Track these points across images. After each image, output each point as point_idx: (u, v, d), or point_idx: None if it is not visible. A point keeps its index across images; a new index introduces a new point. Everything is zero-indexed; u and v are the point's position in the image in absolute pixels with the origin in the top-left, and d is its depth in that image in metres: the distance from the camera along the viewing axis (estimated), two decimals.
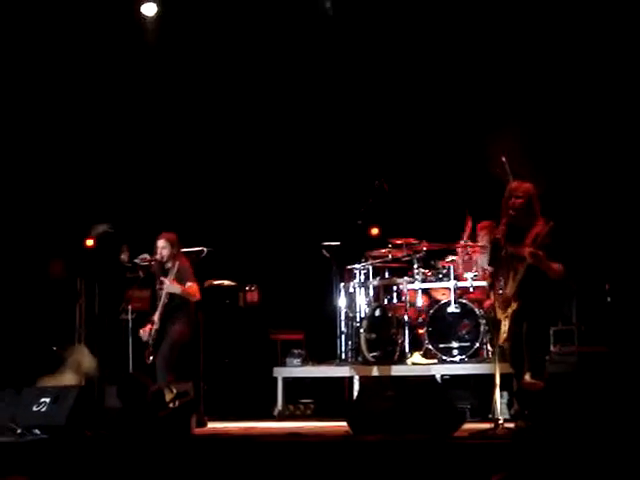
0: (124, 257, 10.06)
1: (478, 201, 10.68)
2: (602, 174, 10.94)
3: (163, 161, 12.56)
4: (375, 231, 11.89)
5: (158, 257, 9.74)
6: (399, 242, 11.23)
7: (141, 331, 9.74)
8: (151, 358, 9.58)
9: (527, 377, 7.87)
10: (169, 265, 9.69)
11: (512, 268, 8.08)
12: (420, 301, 10.99)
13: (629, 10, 10.76)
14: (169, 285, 9.57)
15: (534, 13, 11.19)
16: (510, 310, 8.02)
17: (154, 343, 9.59)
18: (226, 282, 11.83)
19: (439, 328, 10.65)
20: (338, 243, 11.40)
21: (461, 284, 10.78)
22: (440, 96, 11.94)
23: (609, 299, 10.57)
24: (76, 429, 8.30)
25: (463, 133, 11.81)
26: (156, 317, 9.64)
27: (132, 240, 10.50)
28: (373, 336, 10.97)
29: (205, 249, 10.26)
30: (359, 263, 11.37)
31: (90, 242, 11.30)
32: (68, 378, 9.97)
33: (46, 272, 11.60)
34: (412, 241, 11.14)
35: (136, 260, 9.92)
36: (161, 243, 9.76)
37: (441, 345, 10.60)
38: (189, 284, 9.65)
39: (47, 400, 8.58)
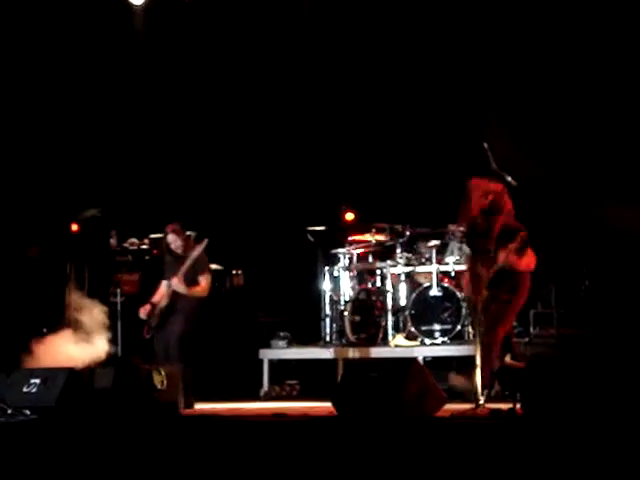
0: (113, 241, 10.14)
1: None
2: (577, 160, 11.08)
3: (150, 146, 12.61)
4: (350, 216, 11.96)
5: (175, 250, 9.68)
6: (383, 226, 11.39)
7: (141, 310, 9.81)
8: (149, 335, 9.70)
9: (508, 358, 8.04)
10: (181, 254, 9.67)
11: (485, 257, 8.37)
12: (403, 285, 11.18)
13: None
14: (176, 284, 9.62)
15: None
16: (483, 295, 8.26)
17: (156, 323, 9.69)
18: (213, 265, 11.92)
19: (421, 311, 10.83)
20: (323, 228, 11.57)
21: (443, 268, 10.98)
22: (421, 82, 12.03)
23: (587, 282, 10.76)
24: (66, 410, 8.38)
25: (445, 119, 11.94)
26: (159, 300, 9.72)
27: (121, 224, 10.60)
28: (357, 319, 11.12)
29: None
30: (343, 247, 11.52)
31: (75, 227, 11.34)
32: (98, 339, 9.98)
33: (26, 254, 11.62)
34: (395, 226, 11.29)
35: (125, 244, 9.99)
36: (171, 238, 9.71)
37: (423, 327, 10.78)
38: (201, 278, 9.70)
39: (37, 381, 8.63)
